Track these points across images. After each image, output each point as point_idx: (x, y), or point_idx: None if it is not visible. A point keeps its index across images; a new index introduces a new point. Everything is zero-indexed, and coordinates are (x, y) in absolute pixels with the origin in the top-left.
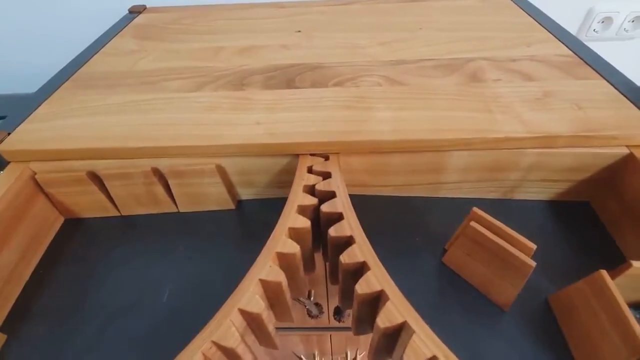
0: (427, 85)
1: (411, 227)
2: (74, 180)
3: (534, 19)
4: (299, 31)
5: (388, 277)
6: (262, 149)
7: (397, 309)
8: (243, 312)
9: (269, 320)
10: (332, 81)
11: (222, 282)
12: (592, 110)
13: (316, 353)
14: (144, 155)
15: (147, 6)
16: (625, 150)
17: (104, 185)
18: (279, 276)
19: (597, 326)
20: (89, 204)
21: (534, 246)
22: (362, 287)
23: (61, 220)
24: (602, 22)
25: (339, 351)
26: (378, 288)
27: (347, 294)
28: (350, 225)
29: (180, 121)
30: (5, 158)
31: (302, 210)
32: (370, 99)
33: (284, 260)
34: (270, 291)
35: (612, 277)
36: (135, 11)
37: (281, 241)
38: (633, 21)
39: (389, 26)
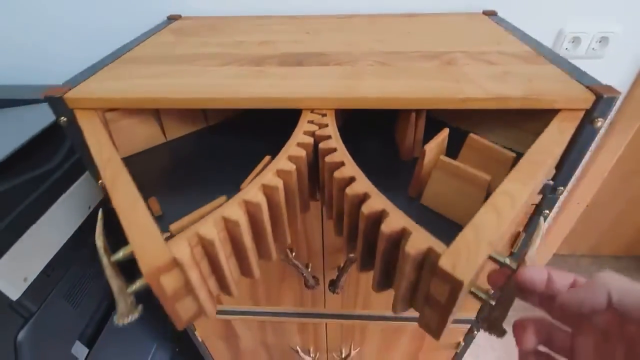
0: (412, 67)
1: None
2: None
3: (510, 32)
4: (308, 32)
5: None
6: (272, 102)
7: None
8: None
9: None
10: (333, 62)
11: None
12: (540, 82)
13: (312, 349)
14: (186, 105)
15: (182, 15)
16: None
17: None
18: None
19: None
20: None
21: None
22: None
23: None
24: (572, 41)
25: (334, 347)
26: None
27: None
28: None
29: (211, 83)
30: (69, 106)
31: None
32: (364, 74)
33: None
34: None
35: None
36: (172, 19)
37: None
38: (600, 41)
39: (385, 32)
